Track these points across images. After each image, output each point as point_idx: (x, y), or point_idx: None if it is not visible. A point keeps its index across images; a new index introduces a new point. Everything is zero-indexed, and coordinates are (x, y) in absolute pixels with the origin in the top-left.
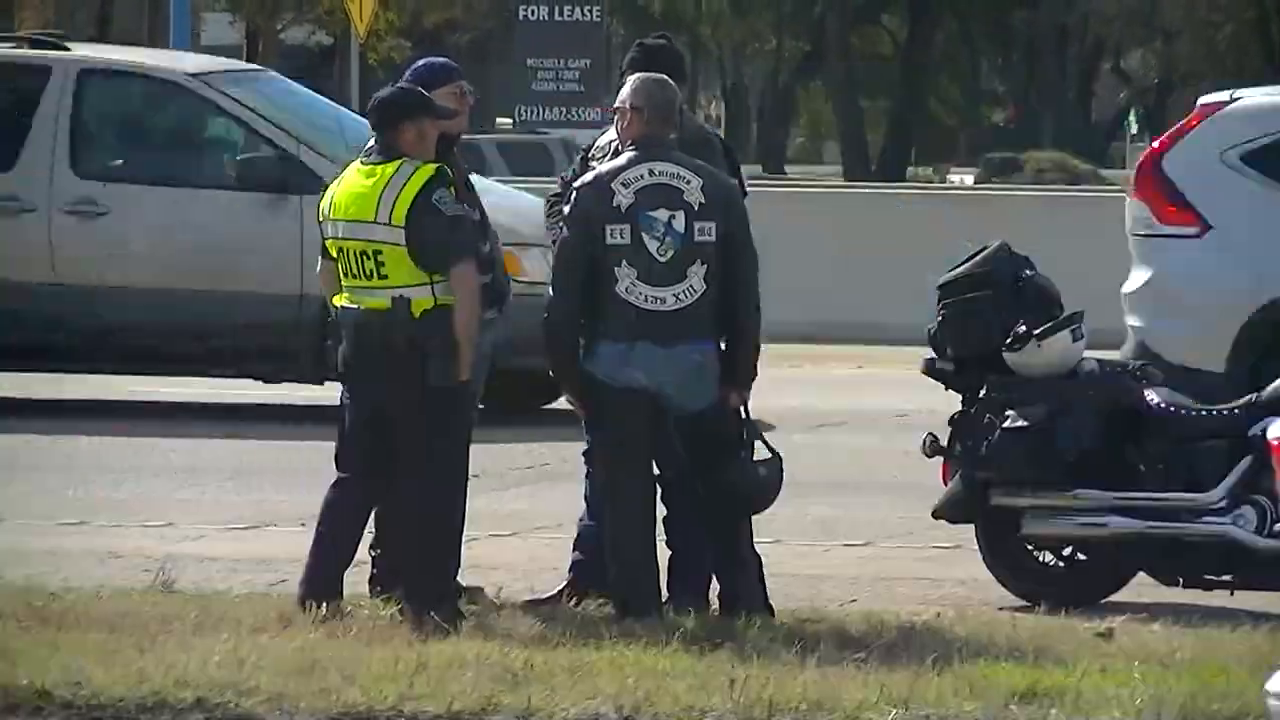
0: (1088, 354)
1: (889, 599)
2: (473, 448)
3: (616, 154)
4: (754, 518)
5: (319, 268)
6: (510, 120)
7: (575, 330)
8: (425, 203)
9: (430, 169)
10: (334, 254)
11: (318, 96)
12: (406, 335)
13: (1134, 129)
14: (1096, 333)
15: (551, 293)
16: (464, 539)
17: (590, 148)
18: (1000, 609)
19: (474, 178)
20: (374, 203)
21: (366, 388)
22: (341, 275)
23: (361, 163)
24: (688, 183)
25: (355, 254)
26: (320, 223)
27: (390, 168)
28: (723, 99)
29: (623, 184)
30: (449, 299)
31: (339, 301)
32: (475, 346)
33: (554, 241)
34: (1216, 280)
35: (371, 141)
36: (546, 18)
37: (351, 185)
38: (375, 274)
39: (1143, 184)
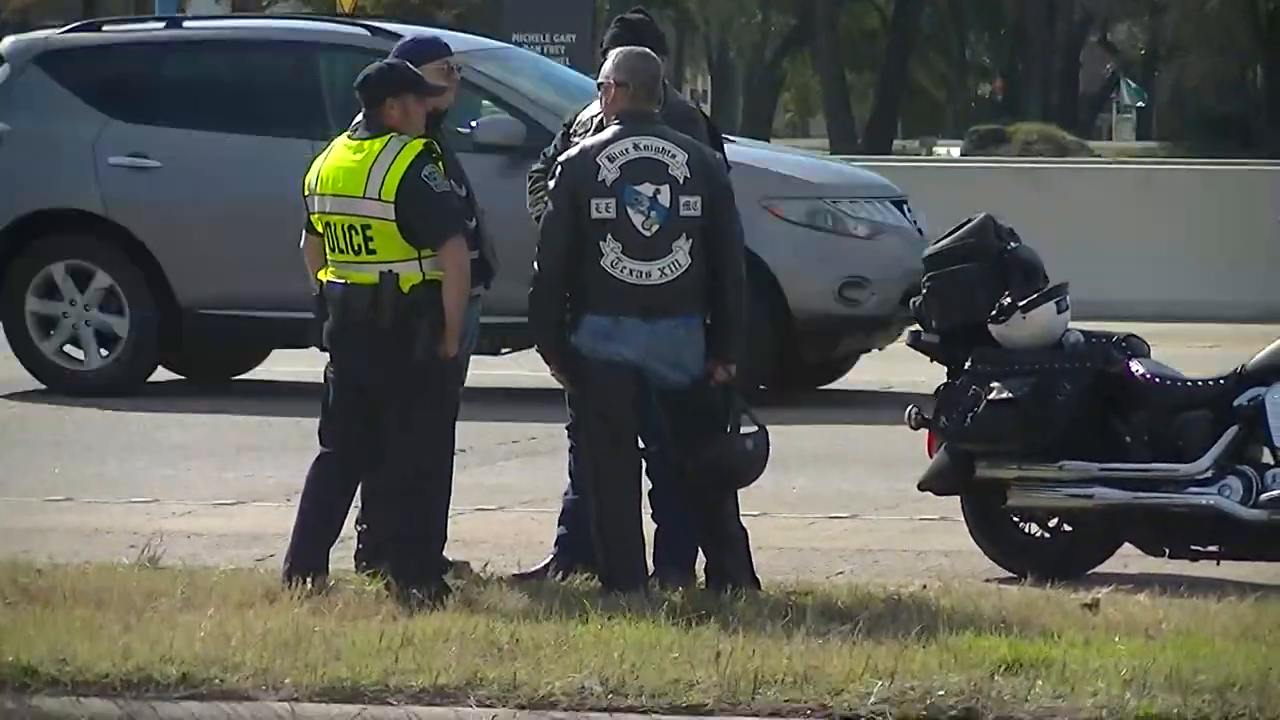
0: (1072, 325)
1: (874, 571)
2: (458, 423)
3: (600, 128)
4: (739, 491)
5: (302, 242)
6: None
7: (560, 304)
8: (414, 178)
9: (418, 145)
10: (320, 229)
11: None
12: (394, 310)
13: (1131, 94)
14: (1081, 304)
15: (535, 267)
16: (450, 514)
17: (572, 122)
18: (986, 580)
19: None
20: (363, 178)
21: (352, 363)
22: (328, 250)
23: (349, 137)
24: (673, 157)
25: (343, 229)
26: (305, 197)
27: (378, 143)
28: (709, 73)
29: (608, 158)
30: (437, 274)
31: (325, 276)
32: (462, 322)
33: (537, 217)
34: None
35: (360, 116)
36: None
37: (339, 160)
38: (363, 249)
39: None
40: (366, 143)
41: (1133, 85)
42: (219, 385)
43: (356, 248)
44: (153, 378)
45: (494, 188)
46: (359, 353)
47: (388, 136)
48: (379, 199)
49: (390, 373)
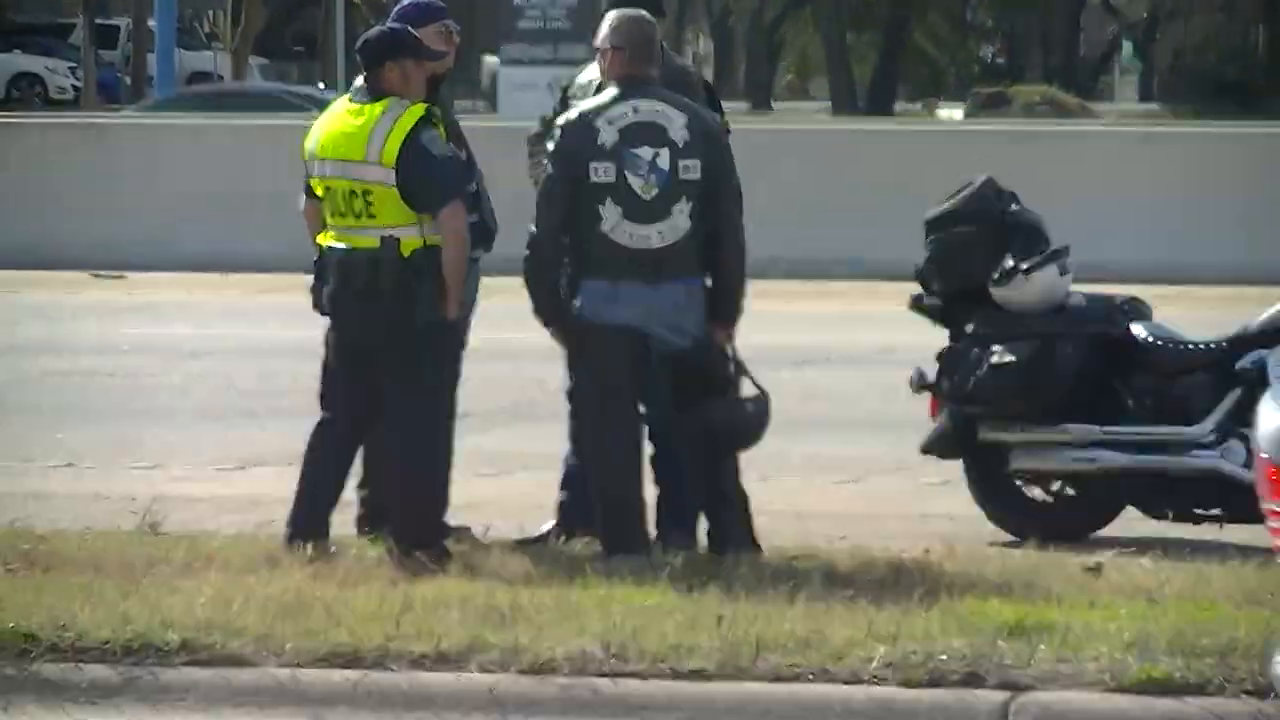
0: (1074, 288)
1: (877, 536)
2: (459, 387)
3: (599, 92)
4: (741, 455)
5: (302, 205)
6: (496, 58)
7: (558, 267)
8: (415, 143)
9: (419, 109)
10: (320, 193)
11: None
12: (395, 274)
13: (1127, 60)
14: (1083, 267)
15: (534, 229)
16: (451, 478)
17: (570, 85)
18: (989, 544)
19: None
20: (363, 143)
21: (353, 327)
22: (328, 215)
23: (350, 101)
24: (671, 120)
25: (344, 193)
26: (306, 161)
27: (378, 107)
28: (710, 36)
29: (607, 121)
30: (437, 239)
31: (324, 240)
32: (462, 285)
33: (535, 180)
34: None
35: (359, 80)
36: None
37: (339, 124)
38: (364, 213)
39: None
40: (366, 107)
41: (1131, 48)
42: (217, 348)
43: (357, 212)
44: (149, 342)
45: None
46: (360, 317)
47: (387, 101)
48: (379, 163)
49: (391, 337)
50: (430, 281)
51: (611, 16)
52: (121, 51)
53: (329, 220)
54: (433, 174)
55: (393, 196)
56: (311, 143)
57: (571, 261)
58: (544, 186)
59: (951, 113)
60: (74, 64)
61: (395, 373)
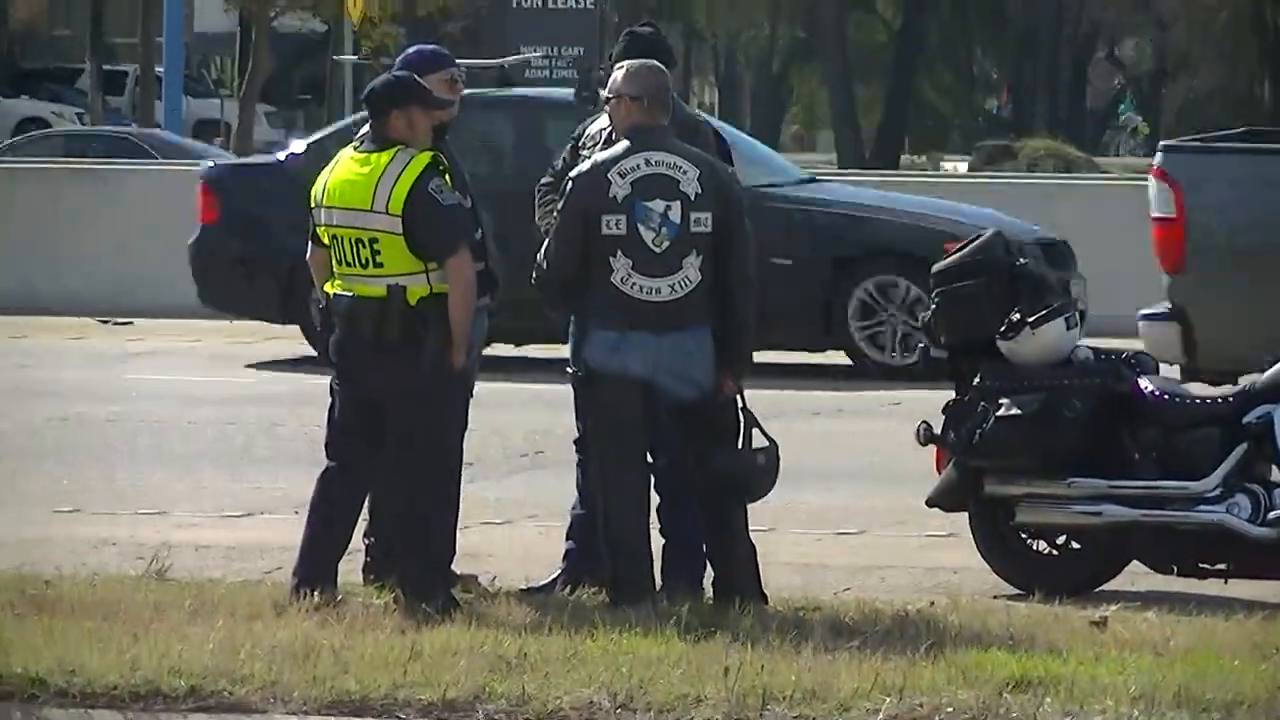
0: (1081, 342)
1: (883, 587)
2: (466, 435)
3: (609, 142)
4: (749, 505)
5: (308, 254)
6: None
7: (563, 307)
8: (422, 192)
9: (425, 158)
10: (326, 241)
11: None
12: (402, 323)
13: (1126, 116)
14: (1090, 321)
15: (538, 277)
16: (457, 527)
17: (581, 135)
18: (994, 597)
19: None
20: (370, 191)
21: (360, 375)
22: (335, 263)
23: (355, 150)
24: (684, 173)
25: (350, 242)
26: (312, 209)
27: (385, 156)
28: (717, 86)
29: (619, 174)
30: (444, 287)
31: (331, 289)
32: (468, 334)
33: (545, 230)
34: None
35: (365, 129)
36: (540, 5)
37: (346, 173)
38: (371, 262)
39: None
40: (373, 155)
41: (1130, 104)
42: (225, 395)
43: (364, 261)
44: (156, 388)
45: None
46: (366, 365)
47: (394, 149)
48: (386, 212)
49: (397, 385)
50: (437, 330)
51: (626, 66)
52: (129, 98)
53: (336, 269)
54: (439, 222)
55: (399, 245)
56: (318, 191)
57: (581, 311)
58: (554, 237)
59: (956, 166)
60: (81, 110)
61: (402, 421)
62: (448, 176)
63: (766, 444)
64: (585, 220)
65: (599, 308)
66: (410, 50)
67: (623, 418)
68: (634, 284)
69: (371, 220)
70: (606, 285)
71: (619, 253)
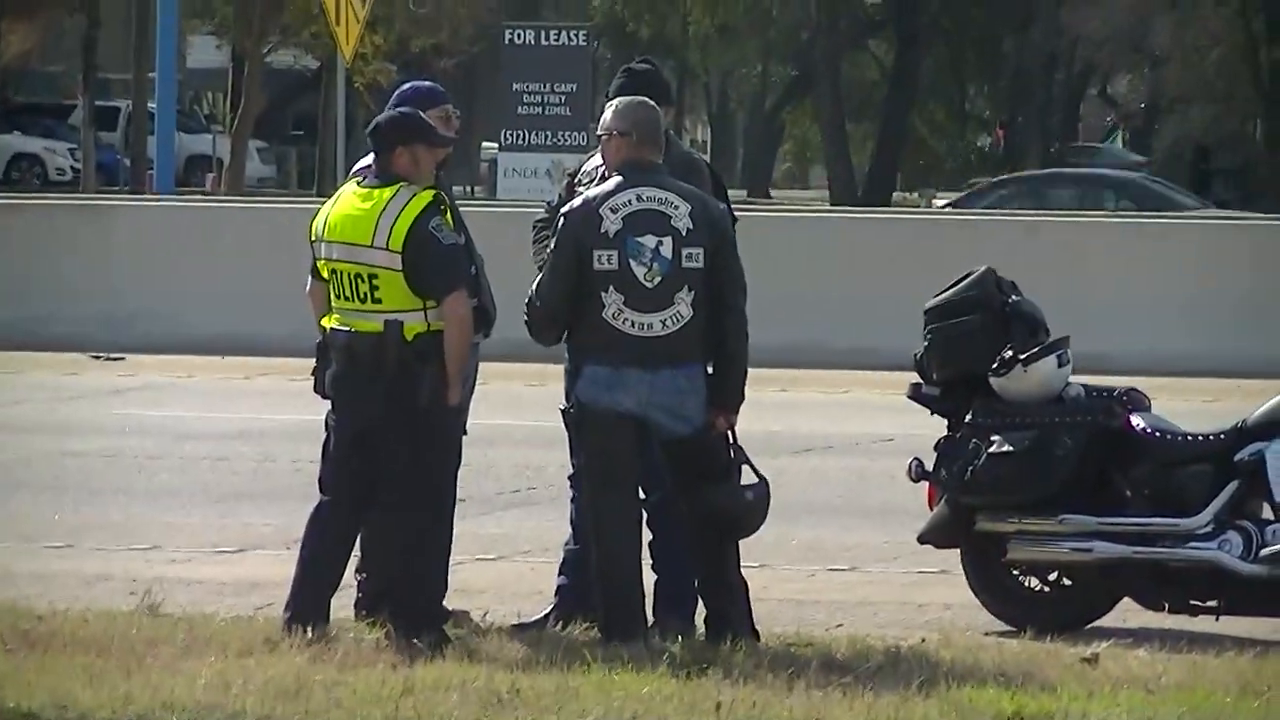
0: (1073, 379)
1: (874, 623)
2: (459, 471)
3: (604, 179)
4: (740, 542)
5: (308, 288)
6: (495, 144)
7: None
8: (423, 230)
9: (427, 196)
10: (325, 275)
11: None
12: (398, 359)
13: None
14: (1082, 358)
15: (530, 314)
16: (450, 562)
17: (577, 172)
18: (986, 634)
19: None
20: (371, 227)
21: (354, 410)
22: (333, 297)
23: (358, 185)
24: (676, 208)
25: (349, 276)
26: (313, 243)
27: (387, 192)
28: (709, 124)
29: (610, 209)
30: (441, 325)
31: (328, 323)
32: (464, 371)
33: (540, 266)
34: None
35: (359, 164)
36: (533, 42)
37: (347, 207)
38: (369, 297)
39: None
40: (376, 191)
41: (1118, 139)
42: (218, 431)
43: (362, 296)
44: (148, 424)
45: None
46: (362, 400)
47: (397, 186)
48: (386, 248)
49: (392, 421)
50: (433, 366)
51: (617, 103)
52: (121, 133)
53: (334, 303)
54: (439, 260)
55: (398, 281)
56: (319, 225)
57: (573, 346)
58: (546, 273)
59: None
60: (74, 145)
61: (396, 457)
62: (449, 215)
63: (757, 480)
64: (577, 255)
65: (591, 343)
66: (405, 86)
67: (615, 453)
68: (626, 319)
69: (371, 256)
70: (598, 320)
71: (611, 288)
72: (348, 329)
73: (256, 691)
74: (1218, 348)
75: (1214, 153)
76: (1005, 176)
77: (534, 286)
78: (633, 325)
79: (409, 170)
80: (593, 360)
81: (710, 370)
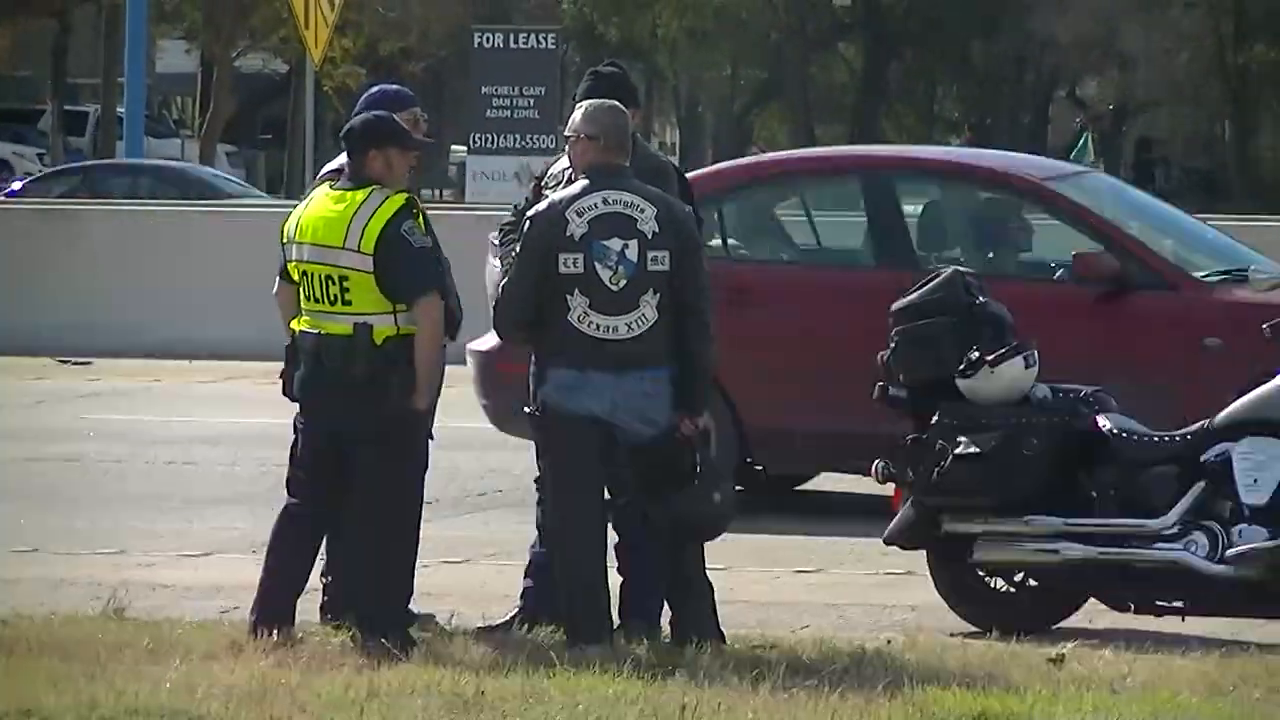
0: (1040, 380)
1: (840, 625)
2: (426, 475)
3: (570, 182)
4: (705, 544)
5: (275, 288)
6: (465, 147)
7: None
8: (395, 233)
9: (400, 199)
10: (296, 277)
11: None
12: (367, 362)
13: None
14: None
15: (496, 318)
16: (416, 565)
17: (544, 175)
18: (951, 635)
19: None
20: (343, 229)
21: (323, 413)
22: (303, 299)
23: (330, 187)
24: (642, 211)
25: (320, 278)
26: (284, 245)
27: (360, 194)
28: (678, 126)
29: (576, 213)
30: (411, 329)
31: (298, 326)
32: (432, 376)
33: (508, 270)
34: None
35: (328, 168)
36: (501, 45)
37: (320, 209)
38: (339, 299)
39: None
40: (349, 193)
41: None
42: (183, 435)
43: (332, 298)
44: (114, 428)
45: None
46: (330, 403)
47: (370, 189)
48: (358, 250)
49: (360, 424)
50: (402, 371)
51: (584, 106)
52: (90, 138)
53: (303, 305)
54: (411, 264)
55: (369, 284)
56: (291, 226)
57: (538, 350)
58: (512, 276)
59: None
60: (42, 150)
61: (364, 460)
62: (421, 219)
63: (723, 483)
64: (543, 258)
65: (556, 346)
66: (374, 90)
67: (580, 457)
68: (591, 322)
69: (343, 258)
70: (564, 324)
71: (576, 291)
72: (317, 331)
73: (221, 695)
74: None
75: (1156, 144)
76: None
77: (499, 289)
78: (598, 328)
79: (382, 173)
80: (558, 364)
81: (676, 373)
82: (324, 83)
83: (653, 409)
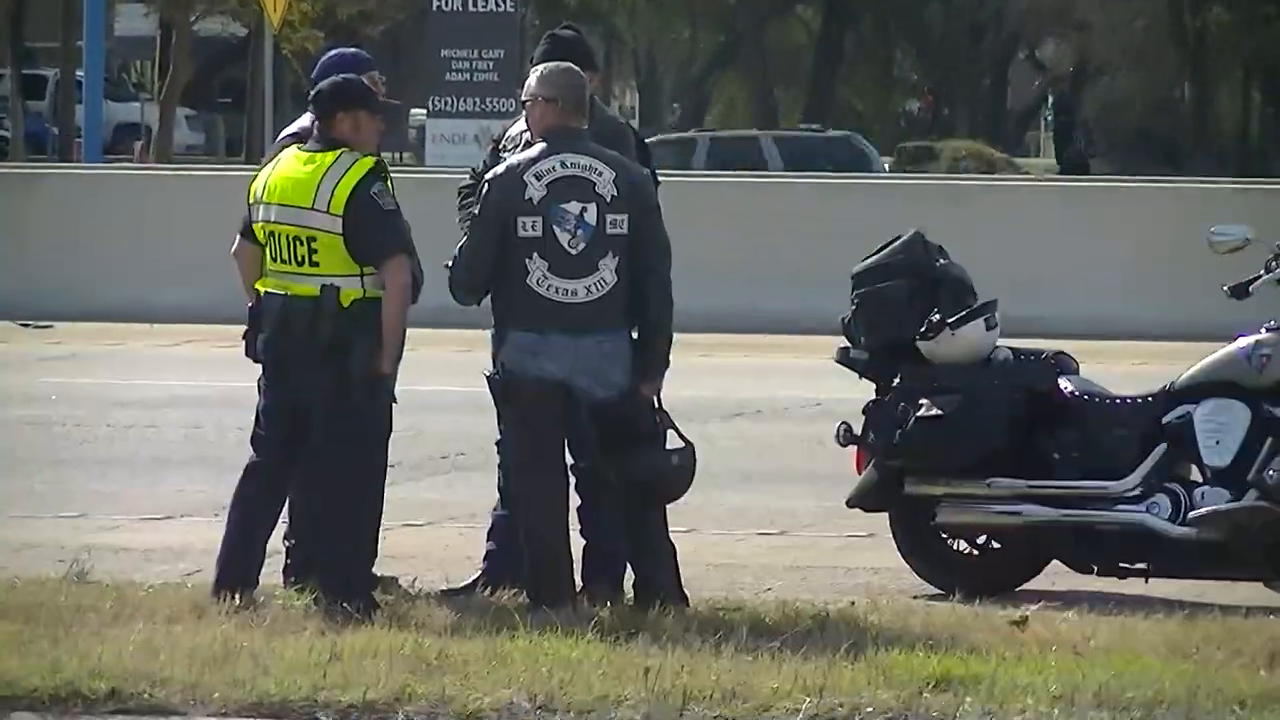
0: (1001, 342)
1: (803, 588)
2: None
3: (528, 145)
4: (668, 507)
5: (234, 247)
6: (424, 111)
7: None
8: (364, 195)
9: (369, 161)
10: (262, 238)
11: None
12: (333, 325)
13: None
14: (1010, 321)
15: (454, 279)
16: (379, 529)
17: (501, 137)
18: (914, 597)
19: None
20: (312, 190)
21: (287, 375)
22: (269, 260)
23: (299, 149)
24: (600, 175)
25: (287, 239)
26: (250, 205)
27: (330, 156)
28: (637, 90)
29: (535, 176)
30: (377, 292)
31: (263, 287)
32: (400, 340)
33: (465, 233)
34: None
35: (286, 131)
36: (460, 8)
37: (288, 170)
38: (306, 261)
39: None
40: (318, 155)
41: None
42: (145, 398)
43: (300, 259)
44: (76, 392)
45: None
46: (295, 366)
47: (339, 151)
48: (327, 211)
49: (324, 387)
50: (367, 334)
51: (541, 68)
52: (50, 102)
53: (269, 266)
54: (379, 227)
55: (337, 245)
56: (258, 187)
57: (497, 313)
58: (470, 240)
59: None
60: (1, 114)
61: (327, 423)
62: (390, 182)
63: (682, 445)
64: (501, 222)
65: (515, 310)
66: (332, 53)
67: (540, 419)
68: (550, 285)
69: (311, 219)
70: (522, 287)
71: (535, 254)
72: (283, 293)
73: (184, 658)
74: (1146, 311)
75: (1077, 109)
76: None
77: (457, 251)
78: (557, 291)
79: (350, 135)
80: (517, 327)
81: (635, 336)
82: (283, 46)
83: (612, 371)
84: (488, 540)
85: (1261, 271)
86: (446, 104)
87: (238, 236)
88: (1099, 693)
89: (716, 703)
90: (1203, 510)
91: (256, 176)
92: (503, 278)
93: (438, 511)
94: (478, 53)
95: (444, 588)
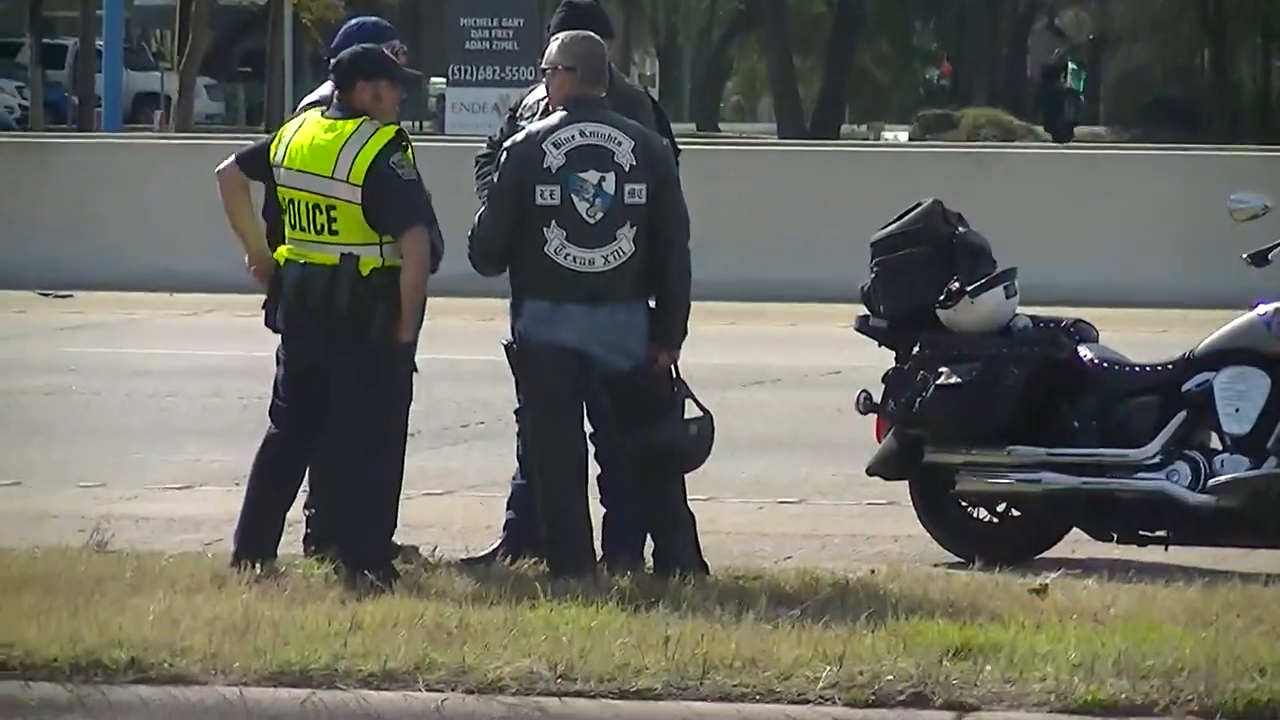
0: (1020, 310)
1: (823, 556)
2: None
3: (546, 113)
4: (687, 476)
5: (221, 165)
6: (444, 80)
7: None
8: (384, 165)
9: (390, 131)
10: (282, 204)
11: None
12: (352, 293)
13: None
14: (1029, 289)
15: (473, 250)
16: (399, 498)
17: (518, 106)
18: (934, 565)
19: None
20: (333, 158)
21: (306, 344)
22: (288, 227)
23: (323, 114)
24: (619, 144)
25: (307, 206)
26: (273, 166)
27: (351, 124)
28: (656, 57)
29: (554, 144)
30: (396, 261)
31: (282, 255)
32: (419, 309)
33: (483, 202)
34: None
35: (307, 99)
36: None
37: (309, 136)
38: (326, 229)
39: None
40: (340, 123)
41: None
42: (166, 368)
43: (319, 227)
44: (96, 361)
45: None
46: (313, 335)
47: (360, 120)
48: (347, 181)
49: (344, 356)
50: (386, 303)
51: (560, 37)
52: (69, 71)
53: (289, 233)
54: (398, 197)
55: (356, 214)
56: (279, 150)
57: (514, 282)
58: (488, 208)
59: (897, 135)
60: (21, 84)
61: (347, 392)
62: (410, 153)
63: (700, 415)
64: (519, 190)
65: (532, 279)
66: (352, 22)
67: (557, 388)
68: (567, 254)
69: (331, 187)
70: (540, 256)
71: (553, 223)
72: (302, 261)
73: (204, 628)
74: (1165, 279)
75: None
76: None
77: (475, 220)
78: (574, 261)
79: (370, 105)
80: (534, 295)
81: (653, 305)
82: (302, 15)
83: (628, 340)
84: (507, 509)
85: None
86: (466, 73)
87: (231, 158)
88: (1118, 660)
89: (737, 671)
90: (1222, 478)
91: (278, 138)
92: (520, 246)
93: (457, 480)
94: (497, 21)
95: (464, 557)
